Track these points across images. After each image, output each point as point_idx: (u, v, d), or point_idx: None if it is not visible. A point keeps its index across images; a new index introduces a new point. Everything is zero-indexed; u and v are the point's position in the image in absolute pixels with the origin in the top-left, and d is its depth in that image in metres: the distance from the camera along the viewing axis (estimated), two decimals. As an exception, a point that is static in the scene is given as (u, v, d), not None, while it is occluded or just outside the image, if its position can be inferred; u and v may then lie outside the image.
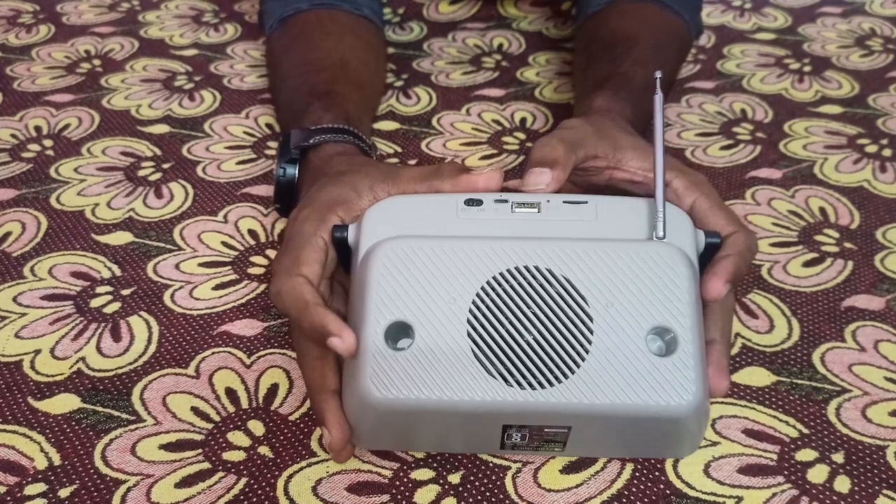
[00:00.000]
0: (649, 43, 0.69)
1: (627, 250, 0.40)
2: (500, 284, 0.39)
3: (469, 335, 0.39)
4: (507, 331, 0.39)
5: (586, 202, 0.43)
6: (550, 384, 0.38)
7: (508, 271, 0.40)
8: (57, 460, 0.46)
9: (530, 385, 0.38)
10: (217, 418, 0.49)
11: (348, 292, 0.45)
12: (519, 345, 0.39)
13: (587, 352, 0.39)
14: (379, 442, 0.45)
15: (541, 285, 0.40)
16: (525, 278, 0.40)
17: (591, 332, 0.39)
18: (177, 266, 0.60)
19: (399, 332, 0.39)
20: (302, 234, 0.45)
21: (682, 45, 0.78)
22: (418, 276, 0.40)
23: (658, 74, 0.45)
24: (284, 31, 0.77)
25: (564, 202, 0.43)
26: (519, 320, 0.39)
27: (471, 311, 0.39)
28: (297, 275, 0.43)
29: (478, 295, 0.39)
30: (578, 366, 0.39)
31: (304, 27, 0.75)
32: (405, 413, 0.39)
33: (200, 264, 0.60)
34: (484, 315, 0.39)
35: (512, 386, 0.38)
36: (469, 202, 0.43)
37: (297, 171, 0.58)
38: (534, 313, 0.39)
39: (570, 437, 0.42)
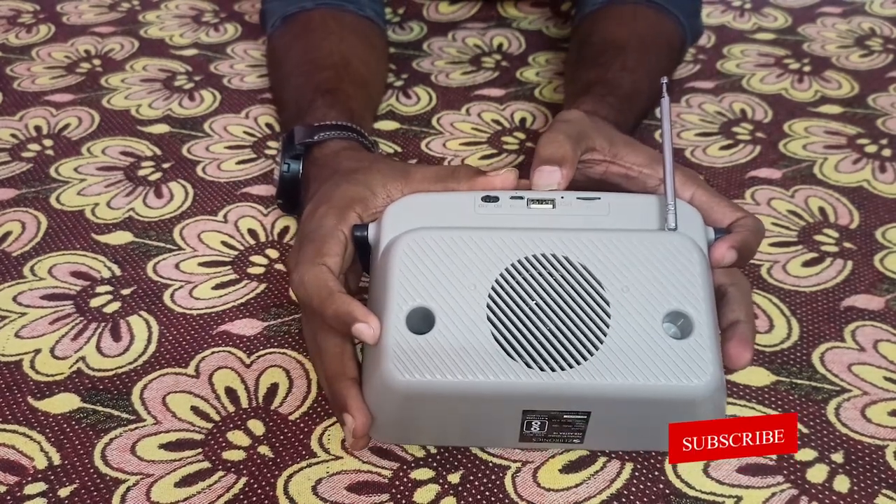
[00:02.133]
0: (639, 49, 0.70)
1: (642, 239, 0.41)
2: (518, 272, 0.41)
3: (489, 319, 0.40)
4: (526, 315, 0.40)
5: (599, 198, 0.44)
6: (570, 366, 0.39)
7: (527, 258, 0.41)
8: (57, 460, 0.46)
9: (550, 367, 0.39)
10: (217, 418, 0.49)
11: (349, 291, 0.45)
12: (538, 328, 0.40)
13: (605, 334, 0.40)
14: (398, 433, 0.45)
15: (558, 272, 0.41)
16: (543, 265, 0.41)
17: (609, 316, 0.40)
18: (177, 266, 0.60)
19: (420, 325, 0.40)
20: (323, 227, 0.46)
21: (675, 51, 0.78)
22: (439, 264, 0.41)
23: (664, 80, 0.47)
24: (286, 30, 0.77)
25: (578, 198, 0.44)
26: (538, 305, 0.40)
27: (490, 296, 0.40)
28: (320, 264, 0.44)
29: (497, 281, 0.40)
30: (597, 348, 0.39)
31: (306, 25, 0.75)
32: (428, 397, 0.40)
33: (200, 264, 0.60)
34: (503, 300, 0.40)
35: (532, 368, 0.39)
36: (486, 199, 0.44)
37: (301, 167, 0.58)
38: (552, 298, 0.40)
39: (589, 427, 0.42)
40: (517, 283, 0.40)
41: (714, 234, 0.44)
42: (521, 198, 0.44)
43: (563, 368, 0.39)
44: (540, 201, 0.44)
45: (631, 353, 0.39)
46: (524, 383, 0.39)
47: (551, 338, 0.39)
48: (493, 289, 0.40)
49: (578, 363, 0.39)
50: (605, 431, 0.43)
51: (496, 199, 0.44)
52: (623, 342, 0.39)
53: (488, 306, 0.40)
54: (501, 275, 0.41)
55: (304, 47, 0.73)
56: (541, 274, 0.41)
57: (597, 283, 0.40)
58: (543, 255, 0.41)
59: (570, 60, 0.78)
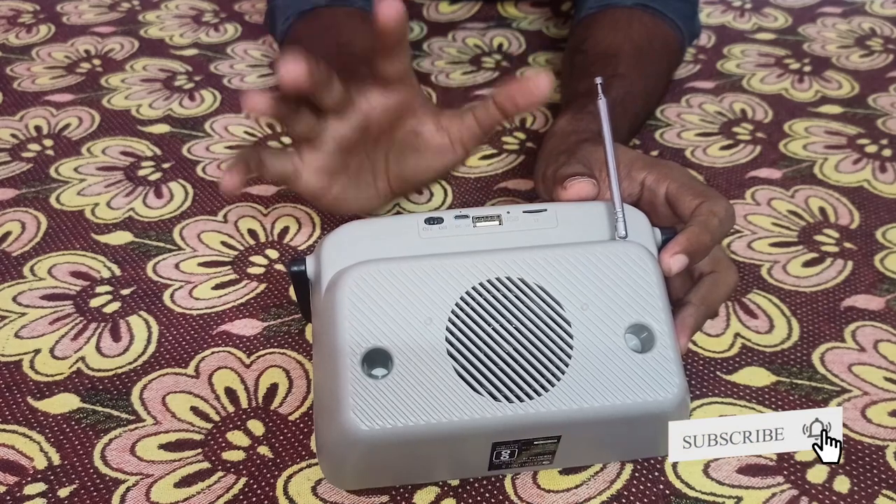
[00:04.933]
0: (633, 55, 0.70)
1: (595, 252, 0.40)
2: (474, 299, 0.39)
3: (450, 354, 0.38)
4: (487, 345, 0.38)
5: (546, 210, 0.43)
6: (538, 394, 0.38)
7: (481, 285, 0.39)
8: (56, 460, 0.46)
9: (518, 398, 0.38)
10: (216, 418, 0.49)
11: None
12: (502, 358, 0.38)
13: (570, 357, 0.39)
14: (364, 480, 0.44)
15: (515, 295, 0.39)
16: (499, 290, 0.39)
17: (571, 337, 0.39)
18: (176, 266, 0.60)
19: (372, 360, 0.38)
20: None
21: (672, 54, 0.78)
22: (390, 299, 0.39)
23: (599, 80, 0.46)
24: (308, 24, 0.76)
25: (524, 212, 0.43)
26: (498, 333, 0.39)
27: (448, 329, 0.38)
28: None
29: (453, 312, 0.39)
30: (563, 372, 0.38)
31: (333, 20, 0.75)
32: (394, 444, 0.38)
33: (200, 264, 0.60)
34: (462, 332, 0.38)
35: (500, 401, 0.38)
36: (429, 221, 0.42)
37: None
38: (512, 324, 0.39)
39: (559, 449, 0.41)
40: (474, 311, 0.39)
41: (661, 234, 0.43)
42: (466, 216, 0.42)
43: (530, 397, 0.38)
44: (486, 218, 0.43)
45: (597, 373, 0.39)
46: (492, 417, 0.38)
47: (516, 367, 0.38)
48: (450, 321, 0.38)
49: (546, 390, 0.38)
50: (575, 450, 0.43)
51: (440, 220, 0.42)
52: (588, 363, 0.39)
53: (447, 340, 0.38)
54: (457, 304, 0.39)
55: (336, 36, 0.72)
56: (497, 300, 0.39)
57: (555, 303, 0.39)
58: (498, 279, 0.39)
59: (564, 68, 0.78)
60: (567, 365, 0.39)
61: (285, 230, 0.63)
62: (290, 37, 0.79)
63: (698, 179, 0.48)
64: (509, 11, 0.99)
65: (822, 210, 0.66)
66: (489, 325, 0.39)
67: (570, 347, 0.39)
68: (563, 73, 0.77)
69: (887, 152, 0.73)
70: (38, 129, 0.76)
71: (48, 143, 0.74)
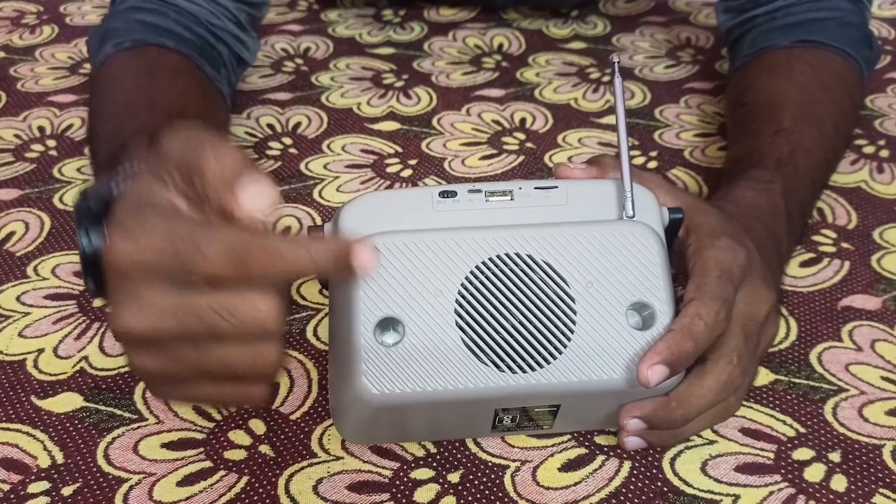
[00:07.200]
0: (798, 103, 0.63)
1: (602, 231, 0.42)
2: (483, 273, 0.41)
3: (458, 325, 0.40)
4: (494, 318, 0.40)
5: (556, 186, 0.44)
6: (540, 366, 0.40)
7: (490, 260, 0.41)
8: (60, 459, 0.46)
9: (521, 369, 0.40)
10: (218, 417, 0.49)
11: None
12: (507, 331, 0.40)
13: (572, 332, 0.40)
14: (370, 437, 0.46)
15: (523, 271, 0.41)
16: (507, 265, 0.41)
17: (575, 313, 0.41)
18: (179, 266, 0.60)
19: (385, 328, 0.40)
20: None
21: (849, 89, 0.68)
22: (403, 271, 0.40)
23: (615, 58, 0.46)
24: (134, 57, 0.66)
25: (536, 188, 0.44)
26: (505, 307, 0.40)
27: (457, 301, 0.40)
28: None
29: (463, 286, 0.40)
30: (565, 346, 0.40)
31: (159, 64, 0.66)
32: (402, 407, 0.40)
33: (202, 264, 0.60)
34: (471, 305, 0.40)
35: (504, 371, 0.40)
36: (443, 194, 0.43)
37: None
38: (518, 299, 0.40)
39: (558, 415, 0.44)
40: (483, 285, 0.41)
41: (668, 213, 0.44)
42: (479, 191, 0.44)
43: (533, 369, 0.40)
44: (498, 193, 0.44)
45: (597, 348, 0.40)
46: (496, 387, 0.40)
47: (520, 339, 0.40)
48: (459, 294, 0.40)
49: (548, 362, 0.40)
50: (573, 417, 0.45)
51: (454, 193, 0.43)
52: (589, 338, 0.40)
53: (456, 312, 0.40)
54: (467, 278, 0.41)
55: (147, 85, 0.63)
56: (505, 275, 0.41)
57: (561, 280, 0.41)
58: (507, 255, 0.41)
59: (727, 122, 0.72)
60: (569, 340, 0.40)
61: (287, 231, 0.64)
62: (111, 62, 0.66)
63: (731, 260, 0.43)
64: (510, 15, 0.99)
65: (819, 210, 0.66)
66: (496, 298, 0.40)
67: (573, 323, 0.40)
68: (729, 130, 0.71)
69: (885, 153, 0.73)
70: (41, 129, 0.76)
71: (51, 143, 0.74)
